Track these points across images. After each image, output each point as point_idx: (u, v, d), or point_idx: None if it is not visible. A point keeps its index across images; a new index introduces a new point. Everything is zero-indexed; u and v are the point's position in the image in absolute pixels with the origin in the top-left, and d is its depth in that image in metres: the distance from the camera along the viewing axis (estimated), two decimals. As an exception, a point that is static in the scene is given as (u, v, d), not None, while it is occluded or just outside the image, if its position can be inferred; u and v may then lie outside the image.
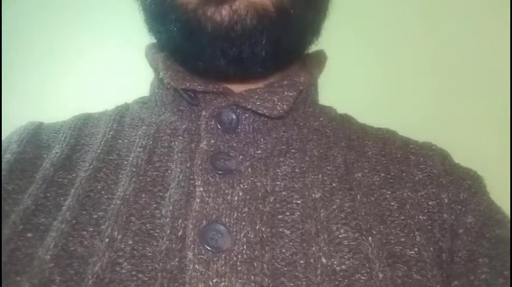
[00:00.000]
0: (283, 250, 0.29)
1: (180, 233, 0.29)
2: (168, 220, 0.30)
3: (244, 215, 0.30)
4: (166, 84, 0.34)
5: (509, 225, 0.34)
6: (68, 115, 0.40)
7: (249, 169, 0.33)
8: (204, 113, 0.34)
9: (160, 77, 0.35)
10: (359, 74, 0.63)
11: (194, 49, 0.31)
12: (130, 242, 0.29)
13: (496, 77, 0.62)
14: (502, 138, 0.60)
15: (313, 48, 0.38)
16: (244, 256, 0.28)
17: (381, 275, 0.29)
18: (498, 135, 0.60)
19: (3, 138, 0.38)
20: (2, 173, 0.33)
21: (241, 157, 0.33)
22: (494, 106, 0.61)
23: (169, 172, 0.33)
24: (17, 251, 0.29)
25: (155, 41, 0.38)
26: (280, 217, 0.31)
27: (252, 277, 0.28)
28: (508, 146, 0.59)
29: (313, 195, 0.32)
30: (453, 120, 0.61)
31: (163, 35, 0.34)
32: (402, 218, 0.32)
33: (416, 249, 0.31)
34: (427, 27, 0.63)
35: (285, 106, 0.33)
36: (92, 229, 0.30)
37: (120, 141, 0.36)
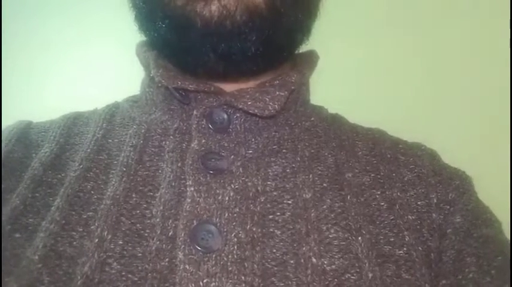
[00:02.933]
0: (274, 250, 0.29)
1: (170, 234, 0.29)
2: (158, 220, 0.30)
3: (235, 215, 0.30)
4: (158, 82, 0.34)
5: (496, 224, 0.34)
6: (55, 114, 0.40)
7: (240, 169, 0.33)
8: (195, 112, 0.34)
9: (151, 75, 0.34)
10: (350, 74, 0.63)
11: (184, 45, 0.31)
12: (120, 243, 0.29)
13: (489, 76, 0.62)
14: (492, 138, 0.61)
15: (304, 48, 0.38)
16: (235, 256, 0.28)
17: (370, 275, 0.29)
18: (488, 135, 0.61)
19: None
20: None
21: (232, 156, 0.33)
22: (486, 106, 0.62)
23: (160, 171, 0.33)
24: (5, 251, 0.28)
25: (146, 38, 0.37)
26: (270, 217, 0.31)
27: (243, 277, 0.28)
28: (497, 147, 0.60)
29: (304, 195, 0.32)
30: (443, 120, 0.62)
31: (152, 32, 0.33)
32: (391, 218, 0.33)
33: (405, 249, 0.31)
34: (418, 27, 0.64)
35: (276, 106, 0.33)
36: (81, 229, 0.30)
37: (110, 140, 0.36)
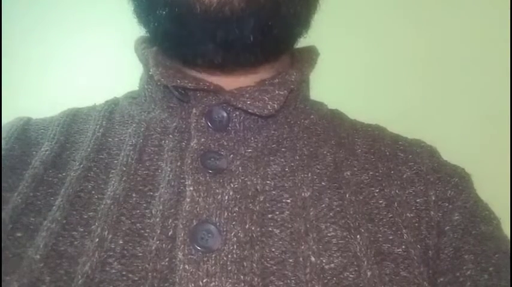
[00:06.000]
0: (273, 249, 0.30)
1: (170, 233, 0.30)
2: (158, 219, 0.30)
3: (234, 214, 0.30)
4: (157, 81, 0.34)
5: (495, 222, 0.35)
6: (53, 109, 0.40)
7: (240, 168, 0.33)
8: (194, 110, 0.34)
9: (150, 73, 0.34)
10: (351, 69, 0.63)
11: (183, 33, 0.31)
12: (121, 242, 0.29)
13: (489, 75, 0.62)
14: (492, 135, 0.61)
15: (304, 43, 0.38)
16: (234, 255, 0.29)
17: (369, 273, 0.29)
18: (488, 132, 0.61)
19: None
20: None
21: (231, 155, 0.33)
22: (486, 103, 0.62)
23: (159, 171, 0.33)
24: (6, 250, 0.29)
25: (145, 34, 0.37)
26: (270, 216, 0.31)
27: (242, 277, 0.28)
28: (497, 143, 0.60)
29: (303, 194, 0.32)
30: (443, 117, 0.62)
31: (152, 23, 0.33)
32: (390, 216, 0.33)
33: (403, 247, 0.31)
34: (418, 23, 0.63)
35: (275, 105, 0.33)
36: (82, 229, 0.30)
37: (110, 139, 0.36)
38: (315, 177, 0.34)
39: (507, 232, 0.34)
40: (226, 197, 0.31)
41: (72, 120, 0.38)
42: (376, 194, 0.34)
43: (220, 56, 0.32)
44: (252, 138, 0.35)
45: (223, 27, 0.30)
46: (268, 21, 0.31)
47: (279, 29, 0.32)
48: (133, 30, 0.37)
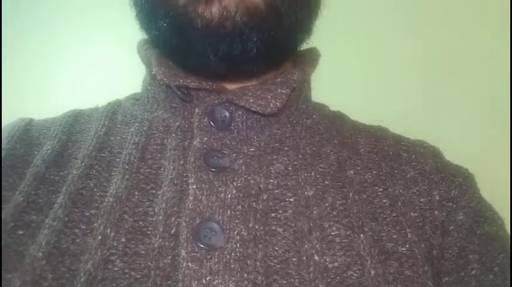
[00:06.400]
0: (276, 248, 0.30)
1: (173, 231, 0.29)
2: (161, 217, 0.30)
3: (237, 213, 0.30)
4: (159, 80, 0.34)
5: (499, 222, 0.35)
6: (56, 112, 0.40)
7: (243, 167, 0.33)
8: (197, 110, 0.34)
9: (153, 73, 0.34)
10: (352, 72, 0.63)
11: (184, 45, 0.31)
12: (123, 240, 0.29)
13: (489, 76, 0.62)
14: (493, 135, 0.61)
15: (306, 45, 0.38)
16: (238, 253, 0.29)
17: (372, 272, 0.29)
18: (489, 132, 0.61)
19: None
20: None
21: (234, 154, 0.33)
22: (487, 104, 0.62)
23: (162, 169, 0.33)
24: (8, 248, 0.28)
25: (147, 36, 0.37)
26: (273, 214, 0.31)
27: (245, 275, 0.28)
28: (499, 144, 0.60)
29: (306, 193, 0.32)
30: (445, 118, 0.62)
31: (153, 31, 0.33)
32: (394, 215, 0.33)
33: (407, 246, 0.31)
34: (419, 25, 0.64)
35: (278, 103, 0.33)
36: (84, 227, 0.30)
37: (112, 138, 0.36)
38: (318, 176, 0.34)
39: (509, 231, 0.34)
40: (229, 196, 0.31)
41: (75, 121, 0.38)
42: (379, 193, 0.34)
43: (223, 68, 0.32)
44: (255, 137, 0.35)
45: (225, 41, 0.30)
46: (271, 32, 0.31)
47: (282, 38, 0.32)
48: (135, 34, 0.37)
